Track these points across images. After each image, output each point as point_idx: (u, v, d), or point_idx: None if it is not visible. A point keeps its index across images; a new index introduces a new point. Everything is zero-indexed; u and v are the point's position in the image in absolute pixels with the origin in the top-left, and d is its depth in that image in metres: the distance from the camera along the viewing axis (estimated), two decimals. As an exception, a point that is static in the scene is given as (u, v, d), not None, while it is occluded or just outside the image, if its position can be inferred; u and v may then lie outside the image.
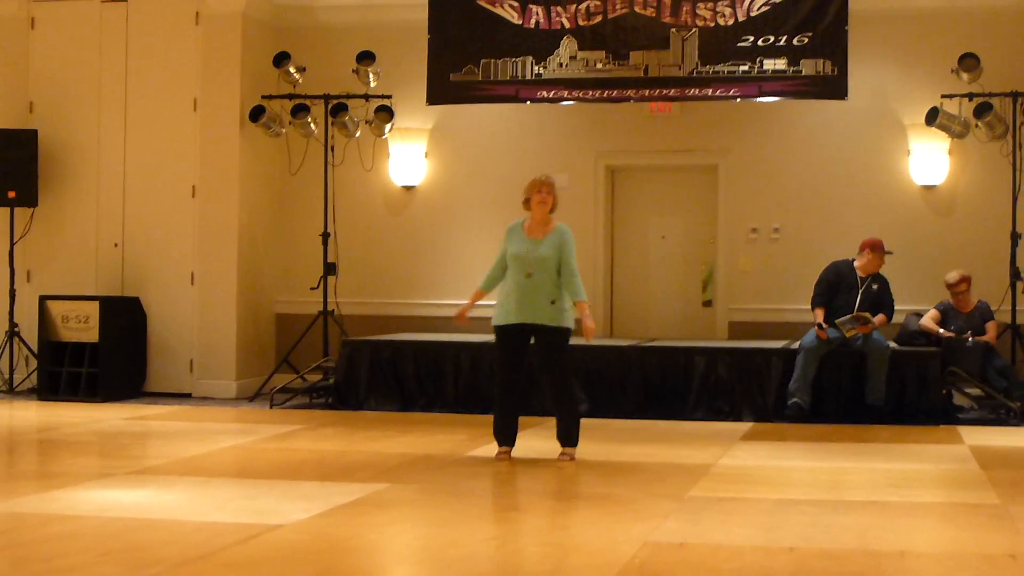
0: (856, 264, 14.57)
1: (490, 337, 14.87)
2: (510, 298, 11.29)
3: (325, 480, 10.28)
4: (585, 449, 11.61)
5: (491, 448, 11.39)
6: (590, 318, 11.34)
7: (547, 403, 11.79)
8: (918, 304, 15.12)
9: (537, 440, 12.02)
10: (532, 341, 11.32)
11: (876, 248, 14.51)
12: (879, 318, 14.21)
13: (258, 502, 9.26)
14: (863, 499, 9.57)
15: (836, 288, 14.50)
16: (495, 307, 11.47)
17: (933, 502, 9.67)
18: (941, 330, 14.54)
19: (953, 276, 14.77)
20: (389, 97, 16.31)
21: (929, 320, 14.70)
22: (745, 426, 13.81)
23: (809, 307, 14.55)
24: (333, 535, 8.17)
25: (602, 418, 14.18)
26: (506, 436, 11.36)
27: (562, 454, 11.28)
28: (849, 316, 14.12)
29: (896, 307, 14.59)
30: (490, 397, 14.56)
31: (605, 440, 12.62)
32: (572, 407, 11.50)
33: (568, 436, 11.34)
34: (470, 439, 12.42)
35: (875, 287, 14.45)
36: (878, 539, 8.17)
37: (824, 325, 14.15)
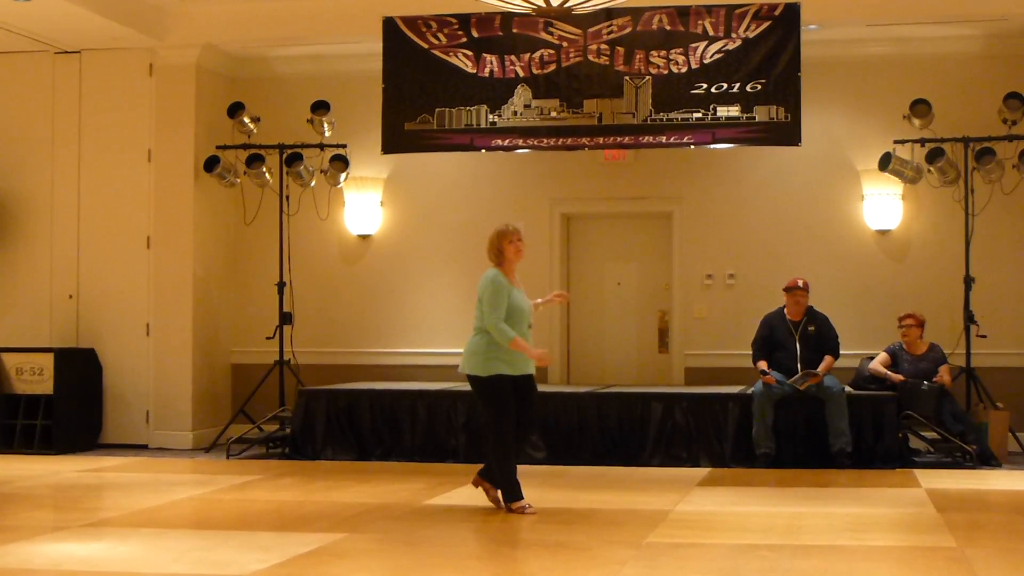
0: (786, 311, 14.62)
1: (446, 385, 14.95)
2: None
3: (282, 530, 10.22)
4: (543, 496, 11.58)
5: (449, 497, 11.35)
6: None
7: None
8: (873, 348, 15.14)
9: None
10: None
11: (787, 289, 14.55)
12: (825, 362, 14.25)
13: (215, 553, 9.21)
14: (821, 543, 9.58)
15: (772, 341, 14.54)
16: (493, 357, 10.90)
17: (890, 546, 9.67)
18: (890, 373, 14.57)
19: (904, 313, 14.85)
20: (344, 146, 16.31)
21: (878, 364, 14.73)
22: (702, 472, 13.81)
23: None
24: (290, 586, 8.14)
25: (559, 465, 14.19)
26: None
27: (527, 507, 10.99)
28: (797, 376, 14.16)
29: (851, 352, 14.67)
30: (448, 447, 14.59)
31: (562, 487, 12.61)
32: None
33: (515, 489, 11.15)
34: (428, 488, 12.38)
35: (812, 329, 14.49)
36: (836, 583, 8.19)
37: (768, 371, 14.20)
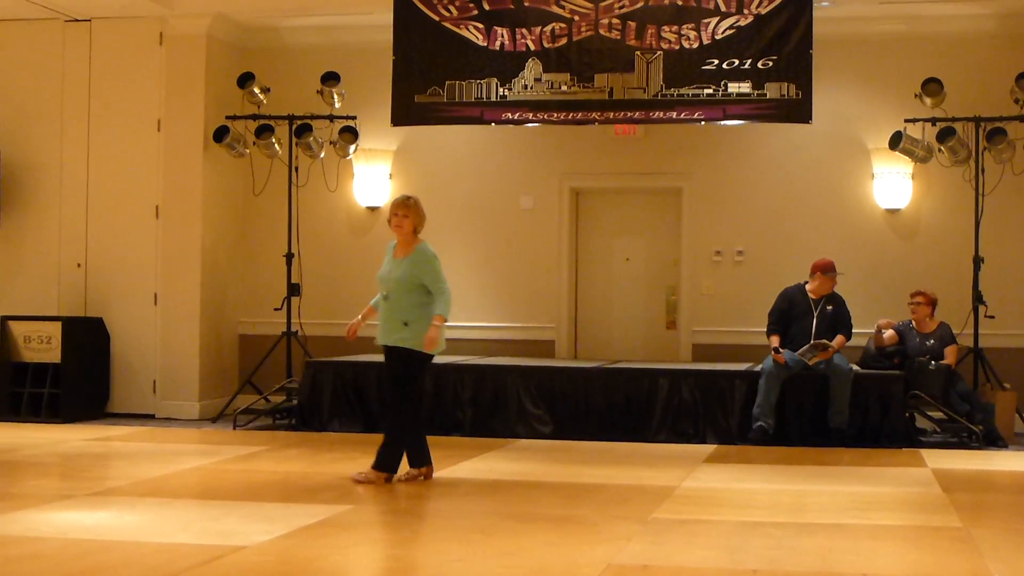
0: (808, 287, 14.59)
1: (451, 359, 14.97)
2: (380, 318, 11.26)
3: (288, 501, 10.23)
4: (548, 471, 11.57)
5: (455, 470, 11.36)
6: (436, 329, 10.92)
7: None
8: (881, 327, 15.15)
9: (499, 462, 12.00)
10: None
11: (827, 270, 14.52)
12: (837, 340, 14.24)
13: (221, 523, 9.21)
14: (826, 522, 9.57)
15: (790, 315, 14.51)
16: None
17: (895, 525, 9.67)
18: (884, 333, 14.61)
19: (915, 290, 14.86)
20: (354, 118, 16.28)
21: (882, 337, 14.75)
22: (709, 448, 13.81)
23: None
24: (296, 557, 8.13)
25: (565, 439, 14.18)
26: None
27: (362, 474, 11.13)
28: (807, 346, 14.13)
29: (859, 330, 14.63)
30: (454, 420, 14.64)
31: (568, 462, 12.61)
32: (393, 431, 11.23)
33: (378, 458, 11.12)
34: (433, 461, 12.36)
35: (830, 308, 14.46)
36: (841, 562, 8.18)
37: (780, 350, 14.16)
